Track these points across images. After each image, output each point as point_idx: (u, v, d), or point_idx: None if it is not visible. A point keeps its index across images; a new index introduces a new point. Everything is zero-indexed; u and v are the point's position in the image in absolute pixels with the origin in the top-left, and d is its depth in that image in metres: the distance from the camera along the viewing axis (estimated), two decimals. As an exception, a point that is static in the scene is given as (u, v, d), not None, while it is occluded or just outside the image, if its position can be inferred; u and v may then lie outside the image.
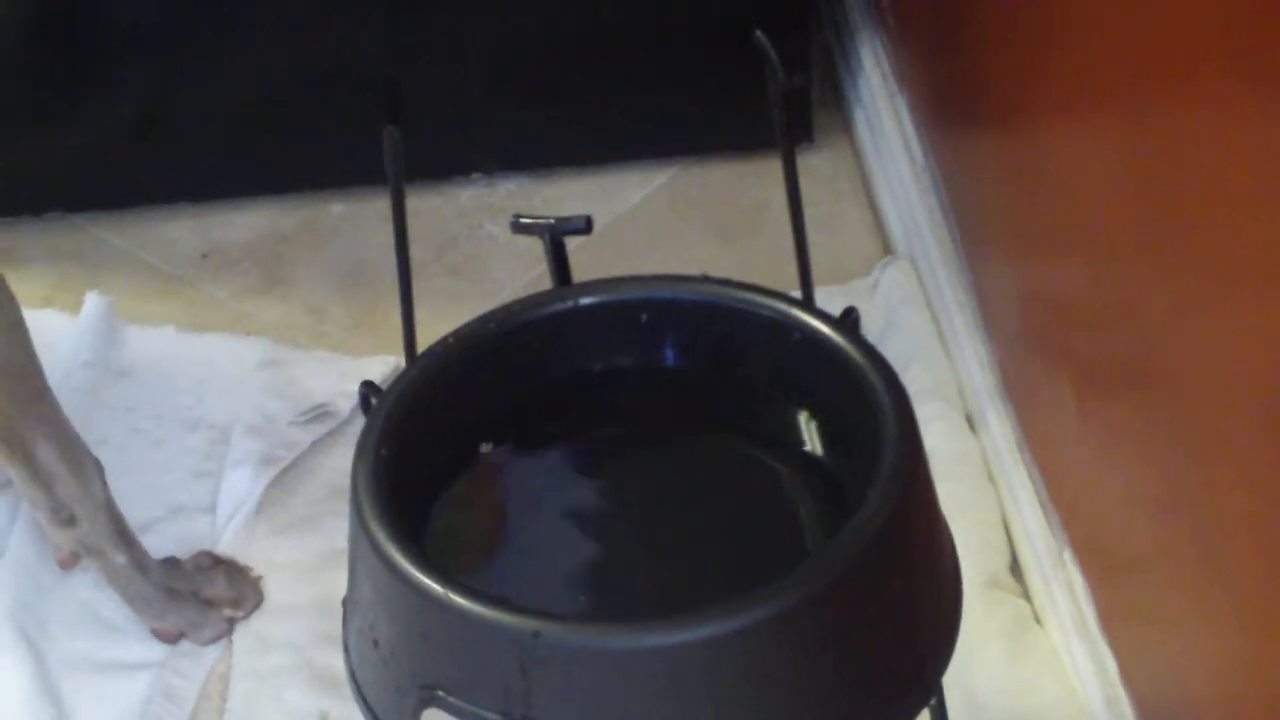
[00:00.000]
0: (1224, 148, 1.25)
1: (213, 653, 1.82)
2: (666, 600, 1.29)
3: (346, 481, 1.29)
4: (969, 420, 1.98)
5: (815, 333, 1.37)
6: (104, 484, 1.75)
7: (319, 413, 2.04)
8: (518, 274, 2.24)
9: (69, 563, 1.80)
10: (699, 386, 1.44)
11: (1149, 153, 1.41)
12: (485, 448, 1.41)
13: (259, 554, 1.91)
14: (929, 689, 1.29)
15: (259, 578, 1.87)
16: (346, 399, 2.04)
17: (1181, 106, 1.34)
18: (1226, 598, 1.36)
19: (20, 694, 1.76)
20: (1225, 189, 1.25)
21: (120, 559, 1.77)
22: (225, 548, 1.91)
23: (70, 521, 1.75)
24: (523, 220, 1.45)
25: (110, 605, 1.83)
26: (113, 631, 1.83)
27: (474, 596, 1.17)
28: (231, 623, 1.82)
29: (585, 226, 1.40)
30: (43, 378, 1.67)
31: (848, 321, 1.38)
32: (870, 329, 2.05)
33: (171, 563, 1.84)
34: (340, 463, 2.00)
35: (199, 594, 1.82)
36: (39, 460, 1.69)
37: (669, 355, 1.44)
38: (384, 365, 2.07)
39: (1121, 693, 1.59)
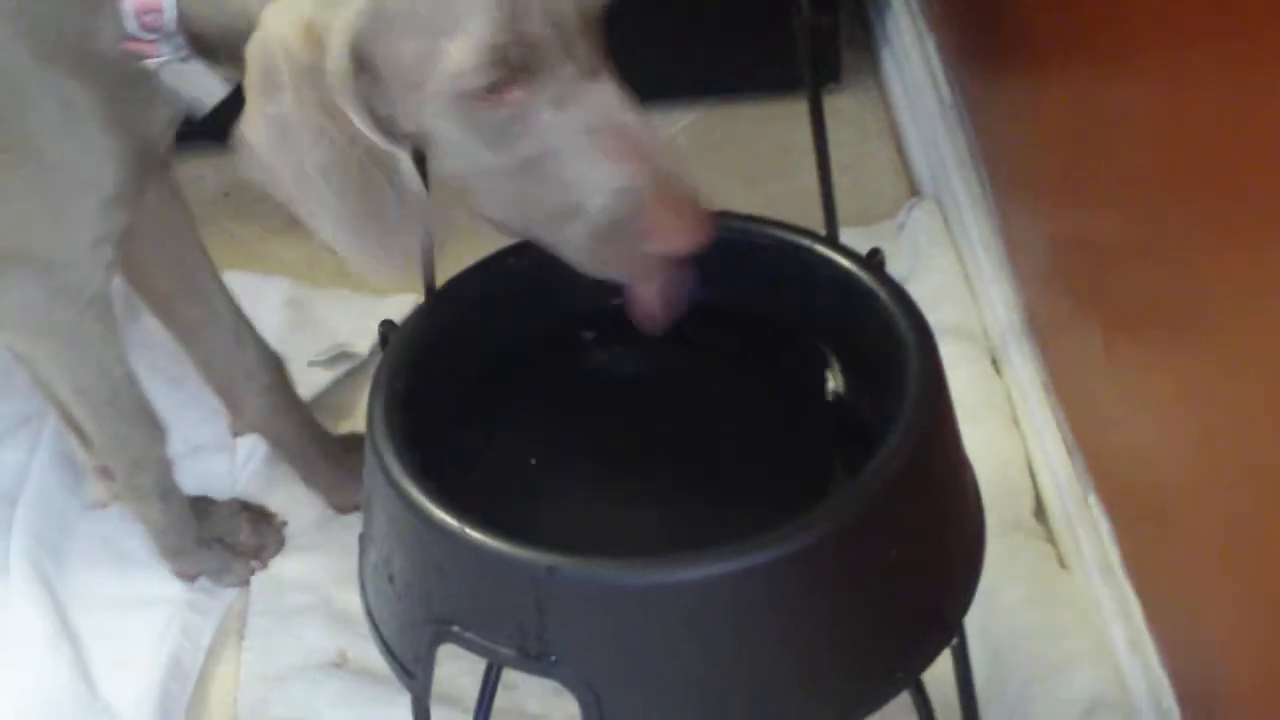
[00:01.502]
0: (1259, 85, 1.23)
1: (231, 590, 1.82)
2: (687, 537, 1.28)
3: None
4: (994, 362, 1.96)
5: (840, 270, 1.36)
6: (160, 448, 1.76)
7: (339, 352, 2.03)
8: (541, 213, 2.23)
9: (104, 505, 1.84)
10: (723, 324, 1.42)
11: (1182, 91, 1.39)
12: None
13: (277, 492, 1.91)
14: (950, 629, 1.28)
15: (283, 524, 1.87)
16: (367, 338, 2.03)
17: (1216, 43, 1.32)
18: (1255, 541, 1.35)
19: (39, 631, 1.76)
20: (1259, 126, 1.23)
21: (156, 513, 1.79)
22: (244, 486, 1.91)
23: (109, 475, 1.79)
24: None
25: (131, 540, 1.83)
26: (132, 567, 1.83)
27: (489, 531, 1.16)
28: (253, 570, 1.83)
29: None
30: (120, 380, 1.67)
31: (873, 262, 1.36)
32: (896, 270, 2.02)
33: (203, 505, 1.85)
34: (360, 401, 1.99)
35: (224, 540, 1.83)
36: (89, 432, 1.73)
37: (693, 292, 1.42)
38: (405, 304, 2.05)
39: (1146, 636, 1.58)
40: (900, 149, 2.33)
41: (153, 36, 1.36)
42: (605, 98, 1.26)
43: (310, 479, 1.89)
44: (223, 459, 1.93)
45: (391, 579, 1.25)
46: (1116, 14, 1.53)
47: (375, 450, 1.24)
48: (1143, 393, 1.57)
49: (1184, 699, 1.52)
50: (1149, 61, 1.47)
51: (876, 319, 1.32)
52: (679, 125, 2.41)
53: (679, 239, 1.25)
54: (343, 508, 1.87)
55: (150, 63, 1.38)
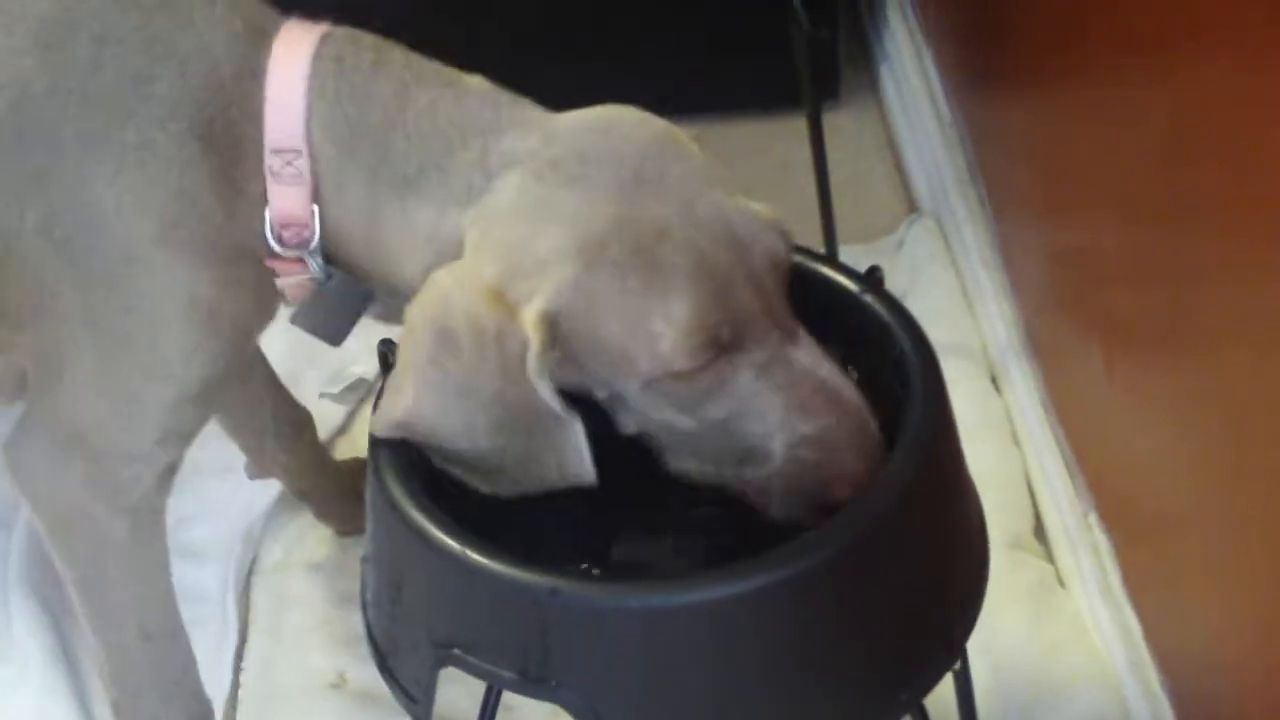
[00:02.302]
0: (1257, 102, 1.23)
1: (232, 610, 1.81)
2: (688, 558, 1.28)
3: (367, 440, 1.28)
4: (993, 380, 1.96)
5: (839, 288, 1.35)
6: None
7: (350, 383, 2.01)
8: (540, 231, 2.22)
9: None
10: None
11: (1180, 108, 1.39)
12: None
13: (281, 514, 1.90)
14: (954, 652, 1.27)
15: None
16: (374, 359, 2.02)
17: (1213, 61, 1.32)
18: (1255, 559, 1.35)
19: (37, 654, 1.75)
20: (1258, 144, 1.23)
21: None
22: (246, 508, 1.89)
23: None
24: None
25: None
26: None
27: (492, 553, 1.16)
28: None
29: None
30: (156, 625, 1.52)
31: (872, 279, 1.36)
32: (895, 287, 2.02)
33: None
34: (358, 419, 1.99)
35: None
36: (106, 680, 1.58)
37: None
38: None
39: (1146, 656, 1.58)
40: (899, 166, 2.33)
41: (292, 252, 1.30)
42: (804, 358, 1.22)
43: (323, 515, 1.87)
44: (223, 481, 1.91)
45: (393, 602, 1.24)
46: (1116, 31, 1.53)
47: (377, 473, 1.24)
48: (1142, 411, 1.57)
49: (1184, 719, 1.52)
50: (1148, 79, 1.47)
51: (878, 338, 1.32)
52: (677, 142, 2.40)
53: (857, 484, 1.21)
54: (349, 533, 1.86)
55: (283, 282, 1.32)
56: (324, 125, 1.27)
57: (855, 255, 2.00)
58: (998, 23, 1.95)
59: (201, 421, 1.42)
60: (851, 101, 2.43)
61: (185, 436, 1.42)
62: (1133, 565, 1.63)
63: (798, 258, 1.38)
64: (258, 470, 1.83)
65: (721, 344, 1.19)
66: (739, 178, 2.31)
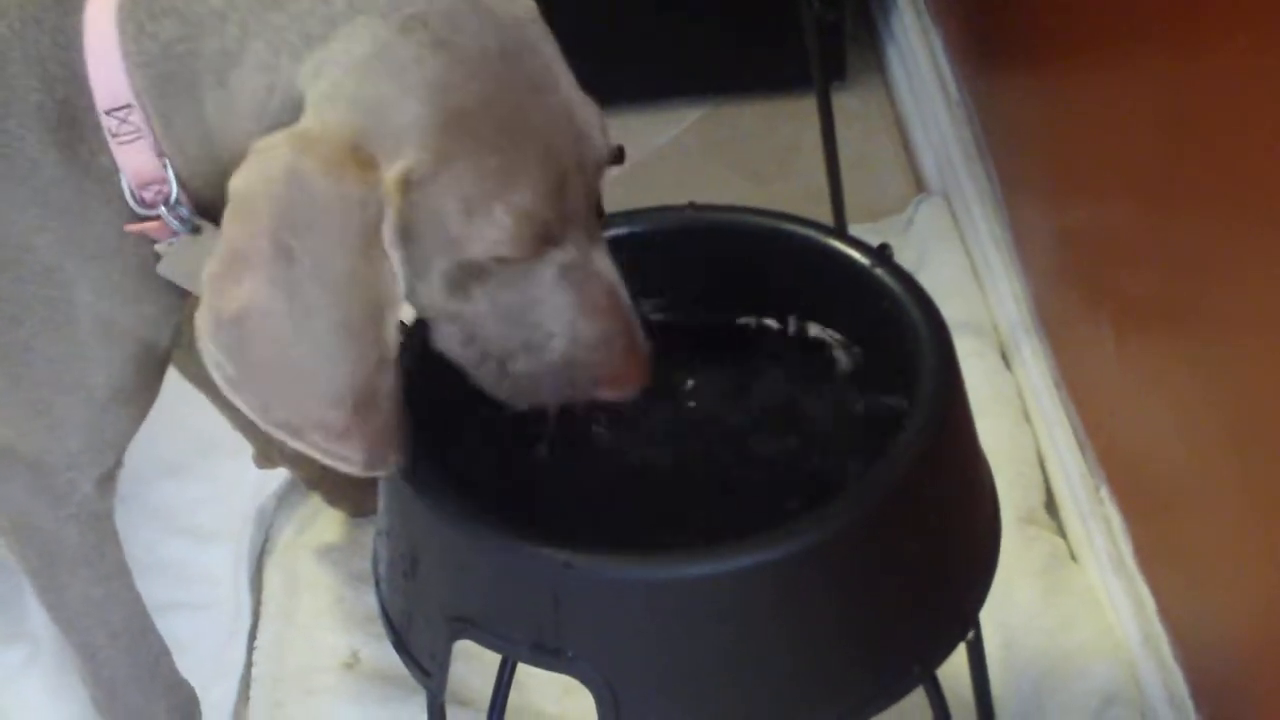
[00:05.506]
0: (1267, 81, 1.23)
1: (245, 591, 1.81)
2: (702, 531, 1.28)
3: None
4: (1004, 357, 1.96)
5: (850, 261, 1.35)
6: None
7: None
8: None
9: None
10: (733, 318, 1.42)
11: (1187, 86, 1.39)
12: None
13: (292, 495, 1.90)
14: (967, 623, 1.27)
15: None
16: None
17: (1220, 40, 1.32)
18: (1267, 532, 1.34)
19: (49, 639, 1.75)
20: (1266, 123, 1.23)
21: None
22: (259, 489, 1.90)
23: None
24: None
25: (143, 547, 1.82)
26: (142, 582, 1.82)
27: (505, 526, 1.16)
28: None
29: (617, 157, 1.37)
30: (121, 621, 1.52)
31: (883, 255, 1.36)
32: (904, 266, 2.02)
33: None
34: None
35: None
36: (85, 682, 1.59)
37: (703, 285, 1.42)
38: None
39: (1159, 629, 1.58)
40: (906, 145, 2.33)
41: (156, 213, 1.22)
42: (601, 262, 1.21)
43: (334, 502, 1.87)
44: (236, 463, 1.90)
45: (407, 576, 1.25)
46: (1124, 9, 1.53)
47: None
48: (1153, 386, 1.57)
49: (1198, 692, 1.52)
50: (1157, 55, 1.47)
51: (889, 312, 1.32)
52: (686, 123, 2.41)
53: (627, 388, 1.23)
54: (362, 514, 1.86)
55: (160, 247, 1.24)
56: (138, 66, 1.19)
57: (864, 234, 1.97)
58: (1005, 1, 1.95)
59: (130, 426, 1.37)
60: (859, 82, 2.43)
61: (113, 443, 1.38)
62: (1144, 539, 1.63)
63: (810, 232, 1.39)
64: (265, 462, 1.83)
65: (548, 238, 1.17)
66: (747, 158, 2.33)
